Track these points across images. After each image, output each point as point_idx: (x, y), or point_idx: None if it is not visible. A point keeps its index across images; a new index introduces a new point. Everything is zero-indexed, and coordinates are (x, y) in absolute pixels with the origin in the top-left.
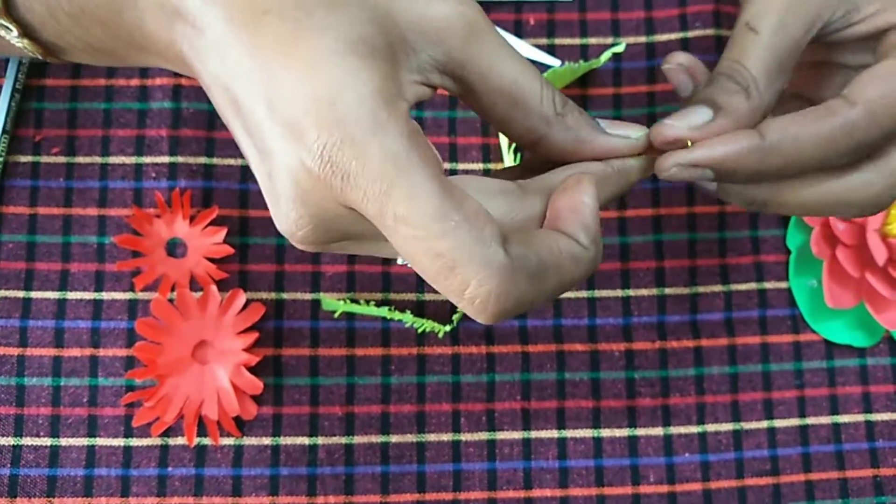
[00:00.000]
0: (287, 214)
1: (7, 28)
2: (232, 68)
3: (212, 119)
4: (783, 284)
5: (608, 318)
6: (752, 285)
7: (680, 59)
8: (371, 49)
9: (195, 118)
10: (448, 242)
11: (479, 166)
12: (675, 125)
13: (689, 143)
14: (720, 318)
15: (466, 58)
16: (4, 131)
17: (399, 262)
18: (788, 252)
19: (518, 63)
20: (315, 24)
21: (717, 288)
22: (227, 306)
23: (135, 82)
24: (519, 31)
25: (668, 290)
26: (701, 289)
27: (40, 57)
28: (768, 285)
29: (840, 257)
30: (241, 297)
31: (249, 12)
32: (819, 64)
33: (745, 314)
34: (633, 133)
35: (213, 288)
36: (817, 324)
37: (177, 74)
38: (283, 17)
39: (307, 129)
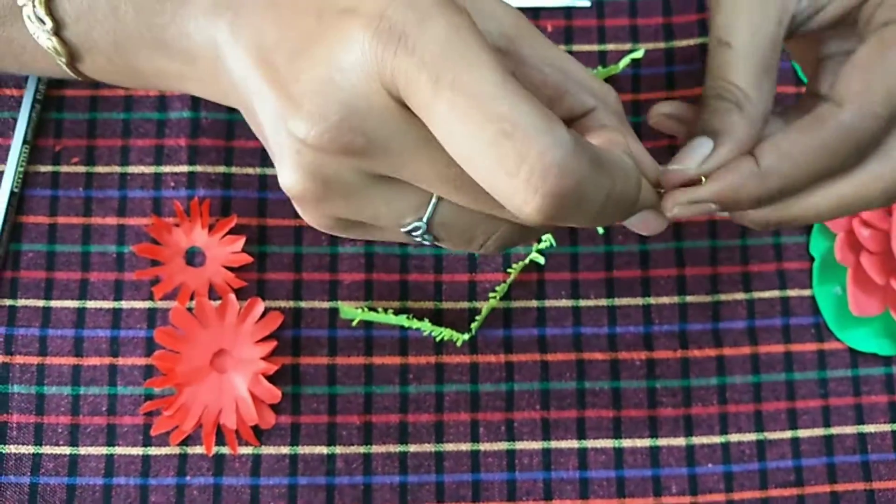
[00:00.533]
0: (298, 181)
1: (41, 21)
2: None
3: (230, 128)
4: (807, 292)
5: (629, 326)
6: (775, 293)
7: (662, 109)
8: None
9: (214, 127)
10: (509, 107)
11: None
12: (681, 169)
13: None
14: (743, 326)
15: (517, 49)
16: (25, 142)
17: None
18: (812, 259)
19: (563, 57)
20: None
21: (740, 296)
22: (246, 315)
23: (154, 92)
24: None
25: (689, 298)
26: (723, 297)
27: (61, 62)
28: (791, 293)
29: (865, 264)
30: (260, 306)
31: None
32: (821, 60)
33: (768, 322)
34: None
35: (232, 296)
36: (842, 332)
37: None
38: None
39: (317, 101)
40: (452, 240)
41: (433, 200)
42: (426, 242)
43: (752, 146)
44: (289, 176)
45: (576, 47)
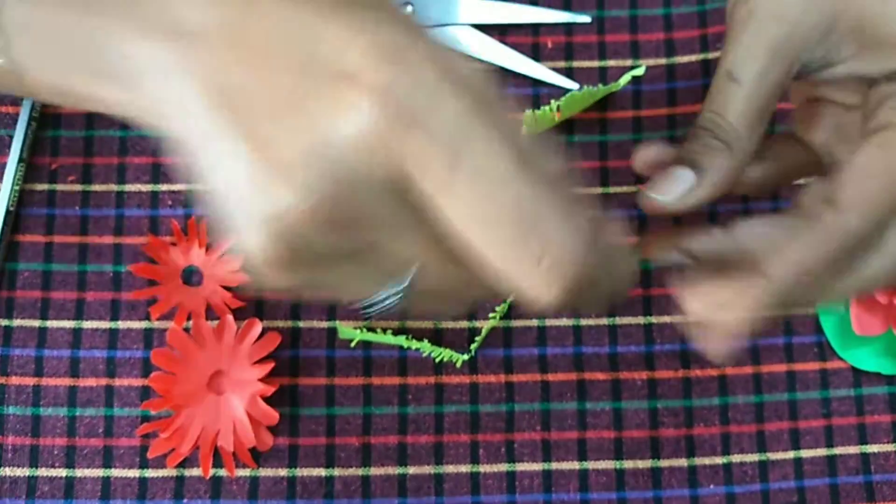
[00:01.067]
0: (266, 251)
1: None
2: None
3: None
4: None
5: (630, 345)
6: None
7: (644, 157)
8: None
9: None
10: (531, 194)
11: None
12: (658, 199)
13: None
14: (745, 345)
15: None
16: (21, 159)
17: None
18: None
19: None
20: None
21: None
22: (244, 336)
23: None
24: (537, 55)
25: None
26: None
27: None
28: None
29: None
30: (258, 327)
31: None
32: (809, 101)
33: (771, 341)
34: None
35: (229, 317)
36: (845, 351)
37: None
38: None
39: (370, 61)
40: (424, 306)
41: (412, 273)
42: (390, 309)
43: (731, 187)
44: (256, 241)
45: (576, 63)
